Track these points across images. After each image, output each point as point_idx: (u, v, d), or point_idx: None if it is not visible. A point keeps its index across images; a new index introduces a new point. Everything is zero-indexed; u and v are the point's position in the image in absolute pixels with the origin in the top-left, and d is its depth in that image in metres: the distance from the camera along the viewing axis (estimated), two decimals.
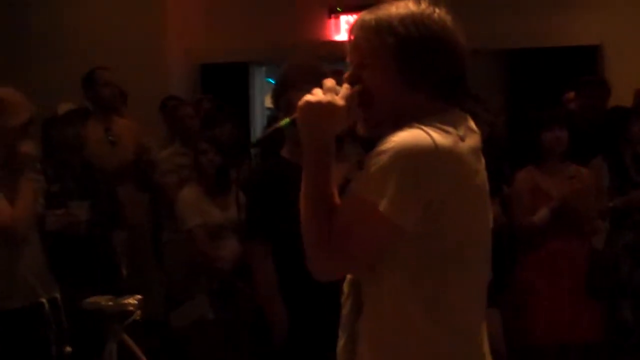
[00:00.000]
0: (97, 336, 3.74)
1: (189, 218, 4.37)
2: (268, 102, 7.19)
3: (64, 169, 4.14)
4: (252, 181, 3.32)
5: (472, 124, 1.72)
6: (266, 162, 3.04)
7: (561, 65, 6.25)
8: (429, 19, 1.66)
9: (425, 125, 1.59)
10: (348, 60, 1.75)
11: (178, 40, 6.81)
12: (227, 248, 4.33)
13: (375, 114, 1.70)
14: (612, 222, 4.46)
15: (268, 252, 2.94)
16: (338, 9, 6.97)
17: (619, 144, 4.54)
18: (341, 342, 1.77)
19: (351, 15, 6.79)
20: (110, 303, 3.68)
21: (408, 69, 1.65)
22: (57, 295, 3.46)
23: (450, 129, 1.61)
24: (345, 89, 1.69)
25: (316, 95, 1.67)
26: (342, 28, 7.01)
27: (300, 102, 1.68)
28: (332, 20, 7.09)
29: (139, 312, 3.69)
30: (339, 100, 1.66)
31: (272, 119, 5.46)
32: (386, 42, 1.65)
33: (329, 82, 1.69)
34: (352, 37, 1.74)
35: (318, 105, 1.65)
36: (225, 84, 6.83)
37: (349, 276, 1.78)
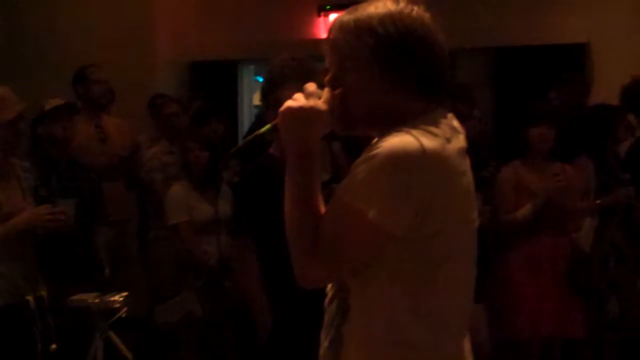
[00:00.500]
0: (83, 333, 3.75)
1: (174, 214, 4.40)
2: (256, 100, 7.19)
3: (49, 165, 4.13)
4: (241, 178, 3.32)
5: (456, 123, 1.71)
6: (255, 159, 3.02)
7: (548, 63, 6.24)
8: (408, 17, 1.64)
9: (412, 128, 1.58)
10: (327, 61, 1.72)
11: (167, 38, 6.79)
12: (214, 243, 4.34)
13: (356, 114, 1.68)
14: (600, 219, 4.47)
15: (253, 249, 2.93)
16: (327, 7, 6.95)
17: (605, 142, 4.54)
18: (324, 345, 1.73)
19: (340, 13, 6.76)
20: (96, 300, 3.69)
21: (389, 69, 1.63)
22: (44, 292, 3.46)
23: (437, 131, 1.60)
24: (327, 92, 1.67)
25: (298, 100, 1.64)
26: None
27: (282, 108, 1.65)
28: (322, 18, 7.07)
29: (125, 309, 3.70)
30: (322, 104, 1.64)
31: (260, 116, 5.47)
32: (366, 43, 1.63)
33: (311, 86, 1.66)
34: (331, 38, 1.71)
35: (300, 110, 1.62)
36: (214, 81, 6.82)
37: None
